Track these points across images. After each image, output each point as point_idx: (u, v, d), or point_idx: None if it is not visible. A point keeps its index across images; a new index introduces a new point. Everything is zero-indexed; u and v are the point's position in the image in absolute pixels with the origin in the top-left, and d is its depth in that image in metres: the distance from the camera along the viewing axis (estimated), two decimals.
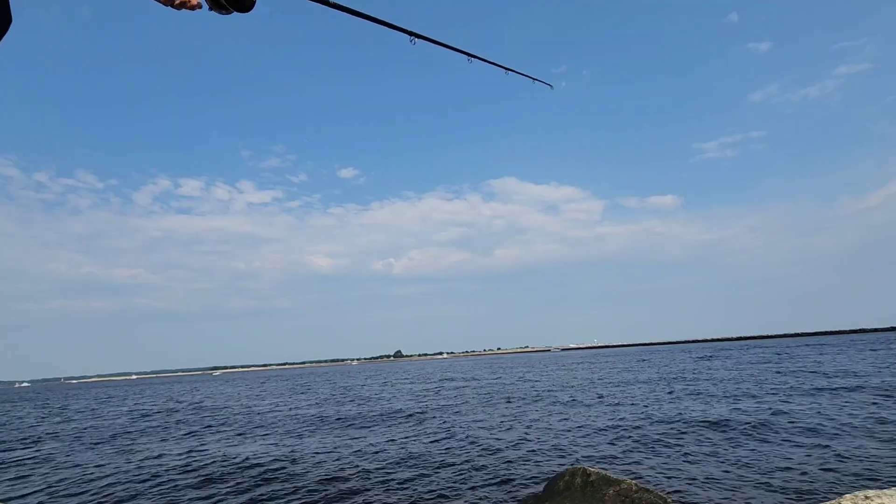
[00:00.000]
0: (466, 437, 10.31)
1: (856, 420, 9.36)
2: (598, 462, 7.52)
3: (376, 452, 9.27)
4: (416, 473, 7.55)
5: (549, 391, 19.39)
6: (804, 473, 6.34)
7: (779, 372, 21.03)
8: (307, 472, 8.06)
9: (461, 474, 7.35)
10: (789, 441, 8.07)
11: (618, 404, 14.00)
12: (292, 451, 9.84)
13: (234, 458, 9.46)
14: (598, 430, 10.20)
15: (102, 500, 7.17)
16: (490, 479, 7.03)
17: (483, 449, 8.99)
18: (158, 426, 15.73)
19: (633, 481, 4.76)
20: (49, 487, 8.11)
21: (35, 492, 7.88)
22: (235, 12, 1.53)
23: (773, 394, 13.90)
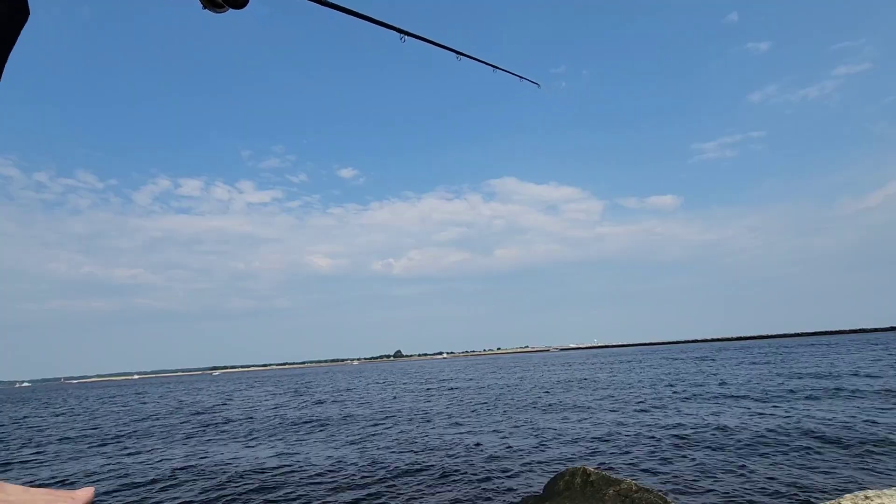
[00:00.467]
0: (467, 437, 10.33)
1: (856, 420, 9.38)
2: (598, 462, 7.53)
3: (377, 455, 9.28)
4: (417, 474, 7.57)
5: (548, 392, 19.41)
6: (804, 473, 6.36)
7: (779, 374, 21.06)
8: (312, 474, 8.07)
9: (461, 474, 7.37)
10: (789, 441, 8.08)
11: (617, 405, 14.02)
12: (296, 455, 9.86)
13: (238, 461, 9.48)
14: (598, 430, 10.22)
15: (106, 501, 7.18)
16: (490, 479, 7.04)
17: (483, 449, 9.01)
18: (164, 427, 15.75)
19: (633, 481, 4.77)
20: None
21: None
22: (230, 9, 1.44)
23: (771, 394, 13.92)
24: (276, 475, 7.95)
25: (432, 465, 8.00)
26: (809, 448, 7.56)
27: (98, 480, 8.37)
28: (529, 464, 7.73)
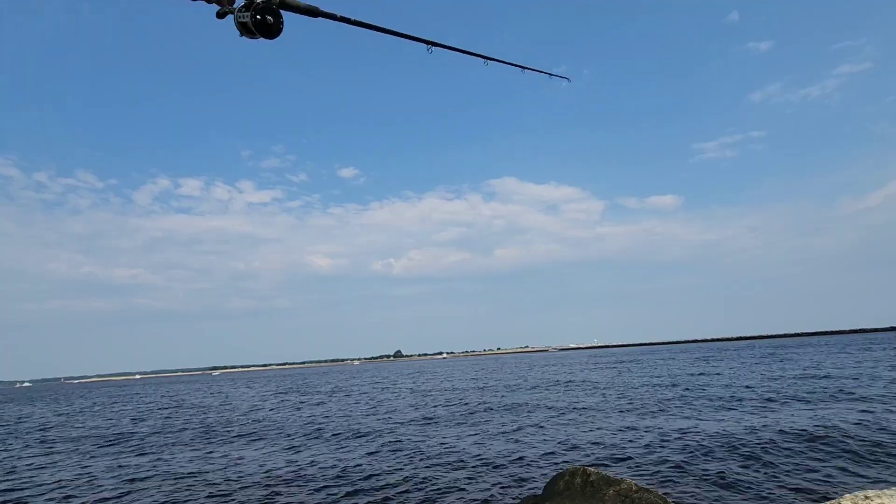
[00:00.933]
0: (467, 437, 10.33)
1: (856, 420, 9.39)
2: (598, 463, 7.53)
3: (377, 455, 9.29)
4: (417, 474, 7.57)
5: (548, 393, 19.41)
6: (804, 474, 6.36)
7: (782, 375, 21.07)
8: (317, 477, 8.08)
9: (461, 474, 7.37)
10: (789, 441, 8.09)
11: (618, 407, 14.02)
12: (299, 459, 9.86)
13: (245, 464, 9.48)
14: (599, 431, 10.22)
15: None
16: (490, 479, 7.05)
17: (483, 449, 9.01)
18: (170, 429, 15.75)
19: (633, 481, 4.78)
20: (61, 489, 8.12)
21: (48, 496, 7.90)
22: (262, 38, 1.69)
23: (771, 394, 13.92)
24: (280, 480, 7.96)
25: (432, 465, 8.00)
26: (809, 448, 7.56)
27: (102, 483, 8.37)
28: (529, 464, 7.73)
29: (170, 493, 7.31)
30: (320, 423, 13.88)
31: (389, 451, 9.38)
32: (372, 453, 9.24)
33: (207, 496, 7.05)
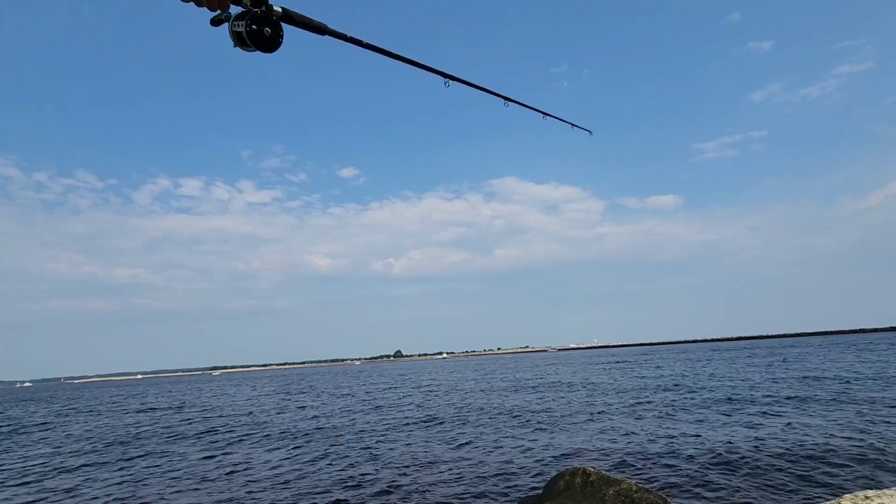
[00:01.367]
0: (467, 437, 10.34)
1: (855, 420, 9.40)
2: (598, 463, 7.54)
3: (377, 456, 9.30)
4: (418, 473, 7.58)
5: (548, 393, 19.42)
6: (804, 473, 6.37)
7: (783, 377, 21.09)
8: (322, 476, 8.09)
9: (461, 474, 7.38)
10: (788, 442, 8.10)
11: (619, 407, 14.03)
12: (306, 460, 9.87)
13: (251, 466, 9.49)
14: (599, 432, 10.23)
15: None
16: (490, 478, 7.06)
17: (483, 449, 9.02)
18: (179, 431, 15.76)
19: (633, 481, 4.78)
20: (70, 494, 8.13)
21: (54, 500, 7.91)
22: (258, 51, 1.51)
23: (773, 396, 13.93)
24: (284, 481, 7.97)
25: (432, 465, 8.02)
26: (809, 448, 7.57)
27: (108, 485, 8.39)
28: (529, 464, 7.74)
29: (175, 496, 7.32)
30: (322, 424, 13.90)
31: (389, 451, 9.39)
32: (372, 453, 9.25)
33: (215, 499, 7.06)
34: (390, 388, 28.50)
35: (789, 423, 9.49)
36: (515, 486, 6.66)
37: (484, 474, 7.30)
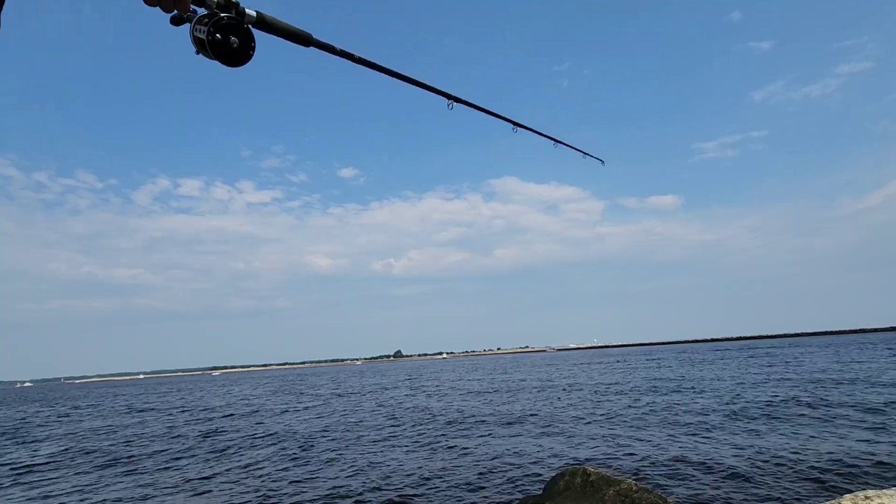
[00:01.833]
0: (467, 437, 10.35)
1: (854, 421, 9.40)
2: (598, 463, 7.55)
3: (378, 456, 9.30)
4: (417, 473, 7.59)
5: (547, 393, 19.42)
6: (804, 473, 6.37)
7: (785, 379, 21.09)
8: (323, 479, 8.09)
9: (461, 474, 7.39)
10: (788, 442, 8.10)
11: (616, 407, 14.03)
12: (308, 460, 9.88)
13: (258, 467, 9.49)
14: (599, 433, 10.23)
15: None
16: (490, 478, 7.06)
17: (483, 449, 9.02)
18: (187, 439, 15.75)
19: (633, 481, 4.79)
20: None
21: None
22: (220, 63, 1.26)
23: (774, 398, 13.94)
24: (287, 481, 7.98)
25: (432, 465, 8.02)
26: (809, 448, 7.57)
27: (115, 488, 8.39)
28: (529, 464, 7.74)
29: (176, 496, 7.32)
30: (323, 425, 13.90)
31: (389, 451, 9.39)
32: (373, 453, 9.25)
33: (221, 501, 7.07)
34: (390, 388, 28.51)
35: (789, 424, 9.49)
36: (515, 485, 6.66)
37: (484, 474, 7.30)
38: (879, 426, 8.74)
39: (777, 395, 13.51)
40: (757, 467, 6.76)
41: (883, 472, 6.20)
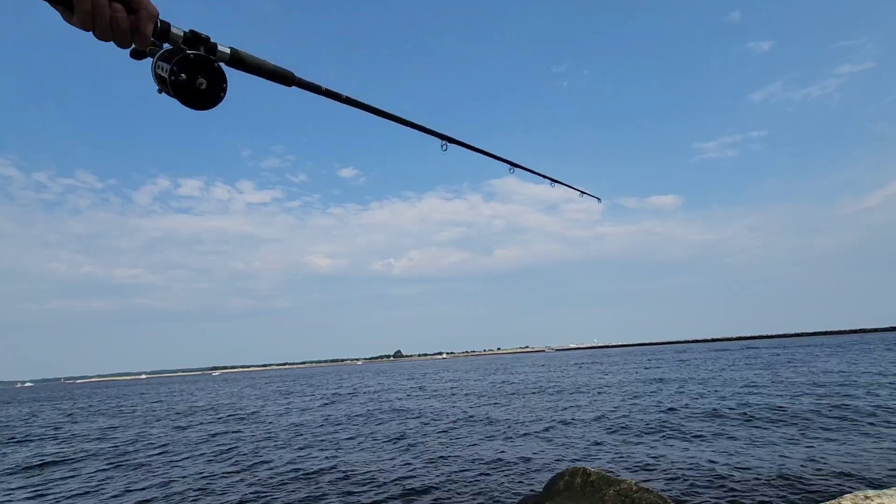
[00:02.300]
0: (467, 437, 10.36)
1: (854, 421, 9.41)
2: (598, 463, 7.56)
3: (377, 456, 9.32)
4: (417, 472, 7.60)
5: (547, 393, 19.44)
6: (803, 474, 6.38)
7: (785, 380, 21.11)
8: (325, 479, 8.10)
9: (461, 474, 7.40)
10: (788, 442, 8.11)
11: (617, 408, 14.04)
12: (309, 461, 9.89)
13: (264, 468, 9.51)
14: (599, 433, 10.24)
15: None
16: (490, 478, 7.07)
17: (483, 449, 9.04)
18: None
19: (633, 481, 4.80)
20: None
21: None
22: (185, 106, 1.06)
23: (775, 399, 13.94)
24: (289, 482, 7.99)
25: (433, 465, 8.03)
26: (809, 448, 7.59)
27: (121, 490, 8.40)
28: (529, 464, 7.76)
29: (176, 496, 7.33)
30: (324, 425, 13.91)
31: (389, 450, 9.40)
32: (373, 453, 9.27)
33: (224, 501, 7.08)
34: (391, 388, 28.51)
35: (790, 425, 9.50)
36: (515, 485, 6.67)
37: (484, 474, 7.31)
38: (879, 426, 8.76)
39: (778, 397, 13.53)
40: (757, 468, 6.77)
41: (883, 473, 6.21)
